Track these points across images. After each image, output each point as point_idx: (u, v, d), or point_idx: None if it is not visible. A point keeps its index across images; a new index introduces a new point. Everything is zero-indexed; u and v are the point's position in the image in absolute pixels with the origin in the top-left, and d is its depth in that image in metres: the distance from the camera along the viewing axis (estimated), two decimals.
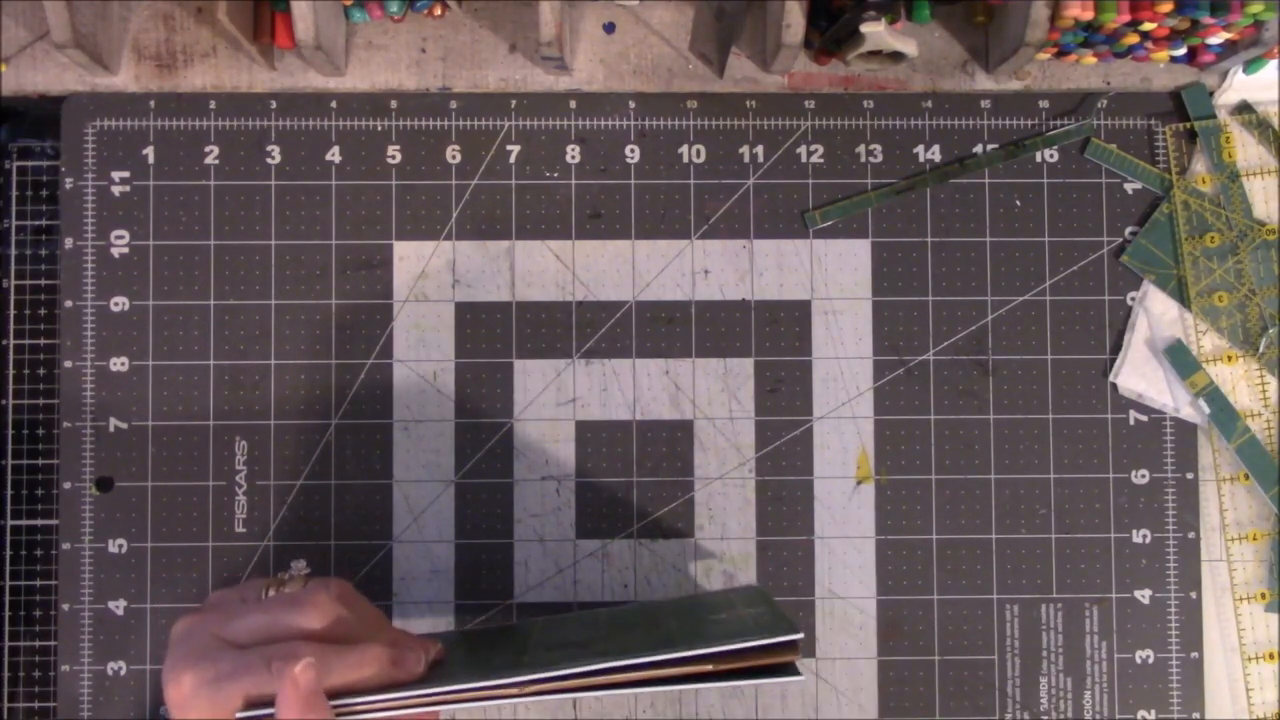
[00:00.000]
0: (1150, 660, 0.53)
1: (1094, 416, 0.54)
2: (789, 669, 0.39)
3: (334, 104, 0.54)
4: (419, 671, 0.41)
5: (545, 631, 0.46)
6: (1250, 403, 0.54)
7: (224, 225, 0.53)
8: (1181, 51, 0.53)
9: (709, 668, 0.39)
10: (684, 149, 0.54)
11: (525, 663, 0.40)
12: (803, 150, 0.54)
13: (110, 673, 0.52)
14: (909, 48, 0.51)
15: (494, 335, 0.54)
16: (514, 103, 0.54)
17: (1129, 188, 0.54)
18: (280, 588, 0.42)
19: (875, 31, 0.49)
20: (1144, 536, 0.53)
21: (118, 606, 0.52)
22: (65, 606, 0.52)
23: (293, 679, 0.38)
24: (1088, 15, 0.48)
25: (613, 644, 0.41)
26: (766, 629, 0.40)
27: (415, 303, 0.54)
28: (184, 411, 0.53)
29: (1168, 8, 0.48)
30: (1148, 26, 0.49)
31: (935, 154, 0.54)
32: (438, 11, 0.53)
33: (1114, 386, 0.54)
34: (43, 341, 0.54)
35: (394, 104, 0.54)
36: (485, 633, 0.49)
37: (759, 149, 0.54)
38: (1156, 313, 0.54)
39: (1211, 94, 0.54)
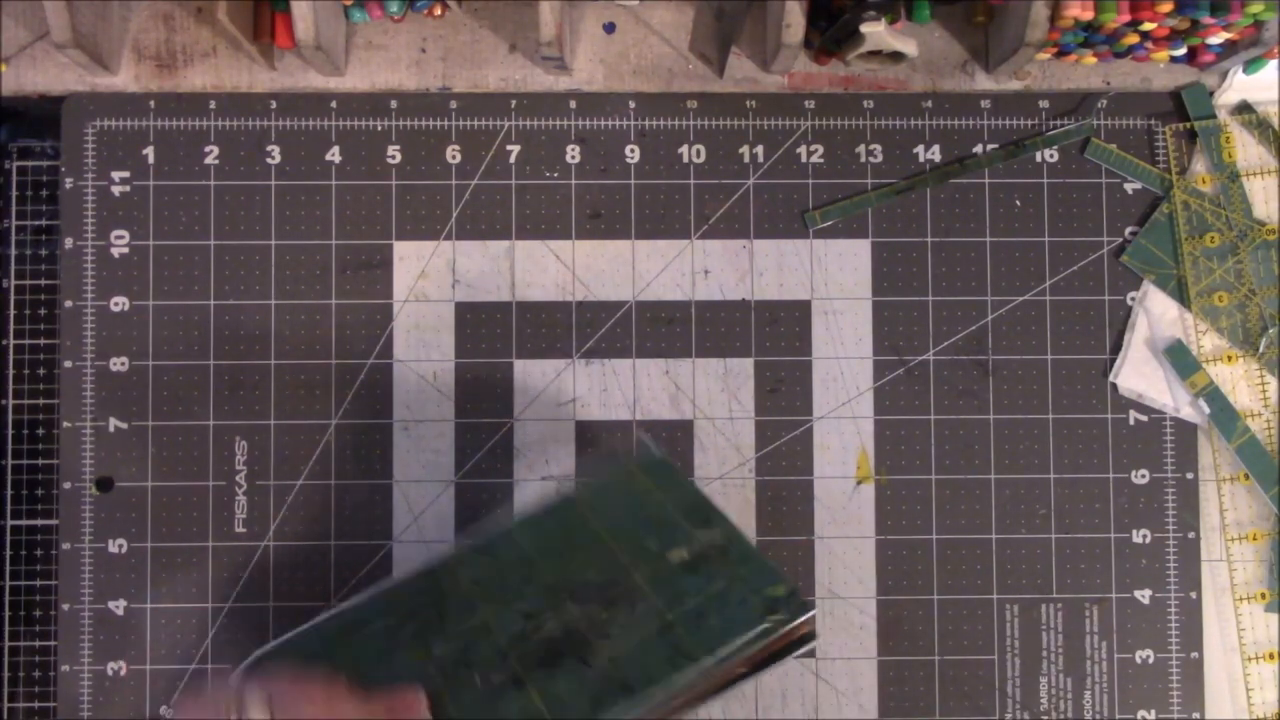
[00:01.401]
0: (1150, 660, 0.53)
1: (1094, 416, 0.54)
2: (807, 638, 0.39)
3: (334, 104, 0.54)
4: None
5: (462, 582, 0.41)
6: (1250, 403, 0.54)
7: (224, 225, 0.53)
8: (1181, 51, 0.53)
9: (743, 670, 0.38)
10: (684, 149, 0.54)
11: (438, 657, 0.38)
12: (803, 150, 0.54)
13: (110, 673, 0.52)
14: (909, 48, 0.51)
15: (494, 335, 0.54)
16: (514, 103, 0.54)
17: (1129, 188, 0.54)
18: None
19: (875, 31, 0.49)
20: (1144, 536, 0.53)
21: (118, 606, 0.52)
22: (65, 606, 0.52)
23: None
24: (1088, 15, 0.48)
25: (567, 614, 0.39)
26: (767, 603, 0.38)
27: (415, 303, 0.53)
28: (184, 411, 0.53)
29: (1168, 8, 0.47)
30: (1148, 26, 0.49)
31: (935, 154, 0.54)
32: (438, 11, 0.53)
33: (1114, 386, 0.54)
34: (43, 341, 0.54)
35: (394, 104, 0.54)
36: (394, 601, 0.43)
37: (759, 149, 0.54)
38: (1156, 313, 0.54)
39: (1211, 94, 0.54)
